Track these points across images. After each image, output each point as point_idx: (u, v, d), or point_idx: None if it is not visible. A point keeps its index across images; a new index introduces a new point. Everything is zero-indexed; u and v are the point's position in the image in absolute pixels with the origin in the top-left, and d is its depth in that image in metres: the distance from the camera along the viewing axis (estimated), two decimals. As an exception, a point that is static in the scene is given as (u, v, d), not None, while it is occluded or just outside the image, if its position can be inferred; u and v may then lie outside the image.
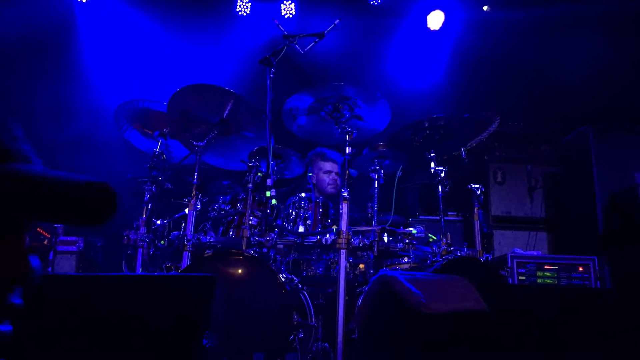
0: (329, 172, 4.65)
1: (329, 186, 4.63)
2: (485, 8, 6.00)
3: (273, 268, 3.19)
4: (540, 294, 2.94)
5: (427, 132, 3.91)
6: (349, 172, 3.46)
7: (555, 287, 3.91)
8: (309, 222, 3.63)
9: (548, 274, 4.16)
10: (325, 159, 4.65)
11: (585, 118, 5.27)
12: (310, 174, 4.07)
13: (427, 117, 3.86)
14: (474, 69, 5.84)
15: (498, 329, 2.52)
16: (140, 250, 3.64)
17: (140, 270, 3.58)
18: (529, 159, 5.55)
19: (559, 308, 2.56)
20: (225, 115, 3.76)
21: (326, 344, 3.32)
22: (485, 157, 5.52)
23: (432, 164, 3.88)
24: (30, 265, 0.75)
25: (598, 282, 4.16)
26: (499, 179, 5.48)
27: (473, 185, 3.92)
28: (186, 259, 3.38)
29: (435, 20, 5.98)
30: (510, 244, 5.10)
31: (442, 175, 3.86)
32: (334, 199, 3.81)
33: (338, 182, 4.62)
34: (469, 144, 4.06)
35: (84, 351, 1.72)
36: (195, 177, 3.58)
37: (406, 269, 3.58)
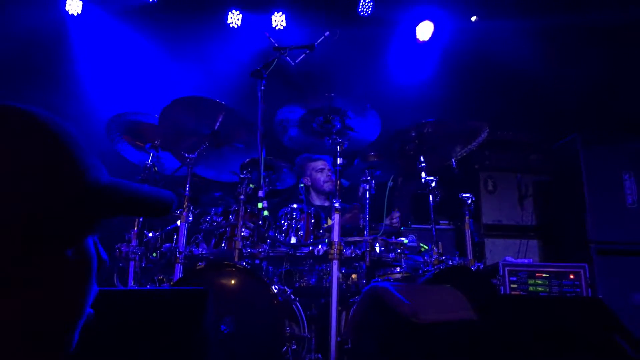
0: (322, 169, 4.72)
1: (326, 184, 4.69)
2: (473, 18, 6.06)
3: (265, 279, 3.20)
4: (531, 303, 2.96)
5: (416, 141, 3.93)
6: (340, 182, 3.49)
7: (545, 297, 3.93)
8: (301, 233, 3.64)
9: (539, 282, 4.18)
10: (314, 159, 4.72)
11: (574, 126, 5.32)
12: (302, 185, 4.08)
13: (414, 124, 3.88)
14: (463, 78, 5.89)
15: (489, 339, 2.54)
16: (132, 263, 3.64)
17: (132, 283, 3.57)
18: (519, 167, 5.59)
19: (550, 317, 2.58)
20: (216, 127, 3.78)
21: (319, 355, 3.32)
22: (476, 166, 5.56)
23: (423, 174, 3.90)
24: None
25: (589, 289, 4.19)
26: (490, 187, 5.51)
27: (464, 195, 3.94)
28: (178, 272, 3.38)
29: (425, 30, 6.03)
30: (502, 253, 5.13)
31: (433, 184, 3.87)
32: (327, 210, 3.83)
33: (332, 177, 4.68)
34: (459, 153, 4.08)
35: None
36: (187, 189, 3.59)
37: (398, 279, 3.60)
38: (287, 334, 3.06)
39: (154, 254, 3.76)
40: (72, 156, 0.73)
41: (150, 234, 3.80)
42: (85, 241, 0.74)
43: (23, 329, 0.67)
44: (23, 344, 0.67)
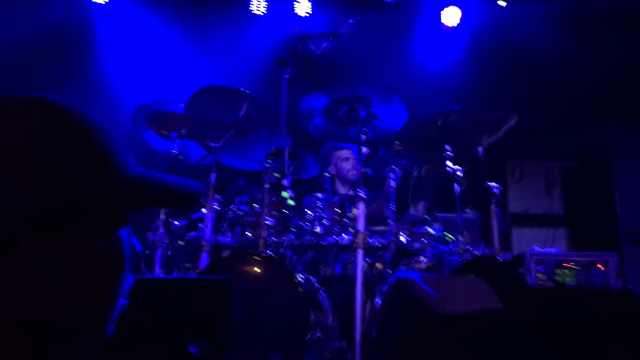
0: (347, 158, 4.71)
1: (350, 172, 4.68)
2: (501, 3, 5.95)
3: (290, 268, 3.21)
4: (558, 294, 2.93)
5: (442, 130, 3.89)
6: (365, 171, 3.48)
7: (573, 288, 3.87)
8: (325, 222, 3.64)
9: (567, 272, 4.12)
10: (339, 148, 4.71)
11: (603, 112, 5.21)
12: (327, 174, 4.08)
13: (440, 113, 3.84)
14: (490, 64, 5.80)
15: (515, 331, 2.52)
16: (159, 251, 3.68)
17: (159, 270, 3.62)
18: (547, 155, 5.51)
19: (577, 309, 2.55)
20: (241, 116, 3.78)
21: (344, 343, 3.33)
22: (502, 154, 5.49)
23: (449, 163, 3.86)
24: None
25: (619, 280, 4.11)
26: (517, 176, 5.45)
27: (490, 183, 3.89)
28: (204, 260, 3.41)
29: (451, 16, 5.95)
30: (529, 242, 5.05)
31: (459, 173, 3.84)
32: (352, 199, 3.82)
33: (357, 166, 4.65)
34: (485, 142, 4.03)
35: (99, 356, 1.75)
36: (213, 177, 3.61)
37: (423, 269, 3.58)
38: (312, 322, 3.07)
39: (180, 242, 3.80)
40: (102, 147, 0.73)
41: (177, 222, 3.83)
42: (117, 233, 0.74)
43: (53, 318, 0.67)
44: (52, 335, 0.68)
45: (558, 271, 4.12)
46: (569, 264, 4.13)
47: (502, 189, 3.95)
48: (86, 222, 0.69)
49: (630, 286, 4.31)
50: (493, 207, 3.86)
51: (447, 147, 3.89)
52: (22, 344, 0.66)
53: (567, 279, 4.08)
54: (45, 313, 0.68)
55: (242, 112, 3.76)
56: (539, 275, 4.10)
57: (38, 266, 0.66)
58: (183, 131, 4.10)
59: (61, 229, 0.67)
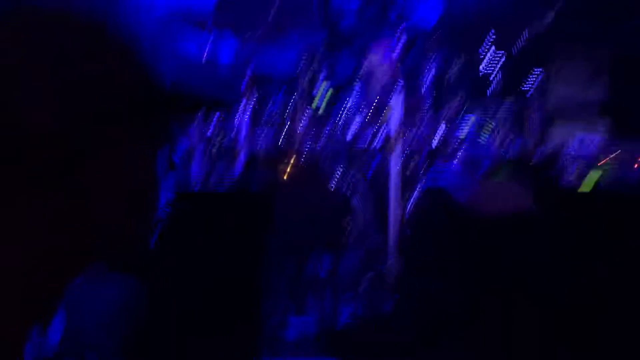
0: (383, 54, 4.57)
1: (385, 72, 4.56)
2: None
3: (325, 172, 3.28)
4: (592, 197, 2.93)
5: (484, 17, 3.74)
6: (399, 68, 3.42)
7: (608, 189, 3.82)
8: (359, 124, 3.63)
9: (602, 169, 4.03)
10: (373, 45, 4.57)
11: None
12: (360, 74, 4.01)
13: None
14: None
15: (547, 234, 2.55)
16: (197, 153, 3.72)
17: (195, 177, 3.67)
18: (594, 42, 5.21)
19: (611, 213, 2.54)
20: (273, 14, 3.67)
21: (380, 239, 3.44)
22: (547, 41, 5.23)
23: (491, 49, 3.73)
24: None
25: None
26: (560, 63, 5.22)
27: (531, 70, 3.78)
28: (240, 163, 3.47)
29: None
30: (568, 133, 4.93)
31: (499, 59, 3.72)
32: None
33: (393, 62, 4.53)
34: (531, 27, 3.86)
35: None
36: (249, 72, 3.57)
37: (456, 170, 3.60)
38: (350, 222, 3.19)
39: (216, 144, 3.82)
40: (138, 57, 0.71)
41: (211, 124, 3.83)
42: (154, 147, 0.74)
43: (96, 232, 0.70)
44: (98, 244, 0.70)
45: (593, 170, 4.05)
46: (606, 158, 4.06)
47: (543, 75, 3.83)
48: (126, 136, 0.69)
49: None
50: (533, 97, 3.77)
51: (491, 32, 3.73)
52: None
53: (601, 176, 4.03)
54: (89, 229, 0.69)
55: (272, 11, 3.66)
56: (574, 172, 4.07)
57: (78, 181, 0.67)
58: (213, 24, 3.98)
59: (99, 144, 0.67)
